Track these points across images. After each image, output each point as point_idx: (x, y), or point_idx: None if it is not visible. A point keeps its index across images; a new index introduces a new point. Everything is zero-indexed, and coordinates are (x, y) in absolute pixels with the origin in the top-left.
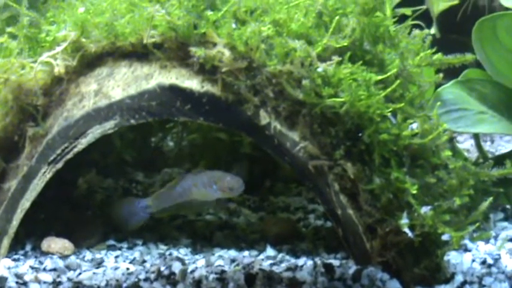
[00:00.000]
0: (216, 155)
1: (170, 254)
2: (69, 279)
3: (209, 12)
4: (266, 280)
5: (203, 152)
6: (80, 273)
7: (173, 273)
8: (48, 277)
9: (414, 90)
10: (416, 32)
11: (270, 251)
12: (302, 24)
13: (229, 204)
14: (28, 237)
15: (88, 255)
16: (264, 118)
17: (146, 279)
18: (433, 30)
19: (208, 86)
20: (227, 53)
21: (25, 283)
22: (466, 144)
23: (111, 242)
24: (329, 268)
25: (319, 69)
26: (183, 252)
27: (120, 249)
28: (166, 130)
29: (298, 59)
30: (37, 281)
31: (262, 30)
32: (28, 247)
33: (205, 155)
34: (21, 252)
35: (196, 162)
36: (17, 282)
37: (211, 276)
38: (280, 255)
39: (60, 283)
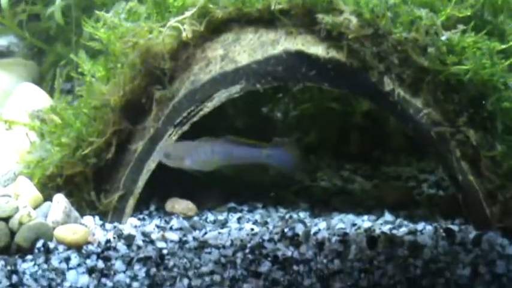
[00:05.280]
0: (326, 125)
1: (291, 217)
2: (194, 239)
3: None
4: (388, 243)
5: (314, 121)
6: (205, 233)
7: (296, 235)
8: (174, 236)
9: None
10: None
11: (388, 216)
12: None
13: (342, 172)
14: (151, 198)
15: (210, 216)
16: (388, 84)
17: (270, 240)
18: None
19: (333, 52)
20: (354, 20)
21: (152, 241)
22: None
23: (232, 204)
24: (450, 233)
25: (444, 38)
26: (302, 215)
27: (241, 211)
28: (276, 100)
29: (424, 27)
30: (164, 239)
31: None
32: (152, 207)
33: (316, 125)
34: (146, 212)
35: (307, 132)
36: (144, 241)
37: (334, 238)
38: (398, 220)
39: (186, 242)
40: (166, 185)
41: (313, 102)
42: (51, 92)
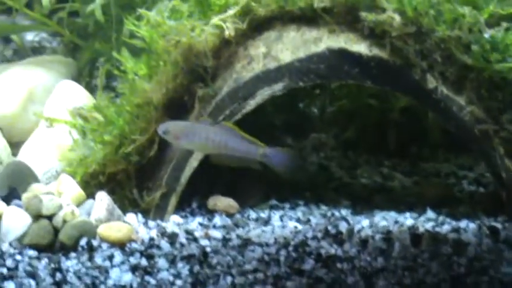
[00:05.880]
0: (364, 121)
1: (333, 215)
2: (238, 236)
3: None
4: (431, 240)
5: (352, 117)
6: (248, 231)
7: (340, 233)
8: (217, 234)
9: None
10: None
11: (430, 214)
12: None
13: (381, 169)
14: (193, 195)
15: (252, 214)
16: (431, 82)
17: (313, 238)
18: None
19: (376, 50)
20: (397, 18)
21: (195, 239)
22: None
23: (274, 202)
24: (494, 230)
25: (487, 35)
26: (343, 213)
27: (282, 208)
28: (313, 96)
29: (467, 25)
30: (207, 237)
31: None
32: (194, 205)
33: (353, 121)
34: (188, 209)
35: (345, 128)
36: (187, 238)
37: (377, 236)
38: (440, 218)
39: (229, 240)
40: (208, 182)
41: (351, 98)
42: (87, 88)
